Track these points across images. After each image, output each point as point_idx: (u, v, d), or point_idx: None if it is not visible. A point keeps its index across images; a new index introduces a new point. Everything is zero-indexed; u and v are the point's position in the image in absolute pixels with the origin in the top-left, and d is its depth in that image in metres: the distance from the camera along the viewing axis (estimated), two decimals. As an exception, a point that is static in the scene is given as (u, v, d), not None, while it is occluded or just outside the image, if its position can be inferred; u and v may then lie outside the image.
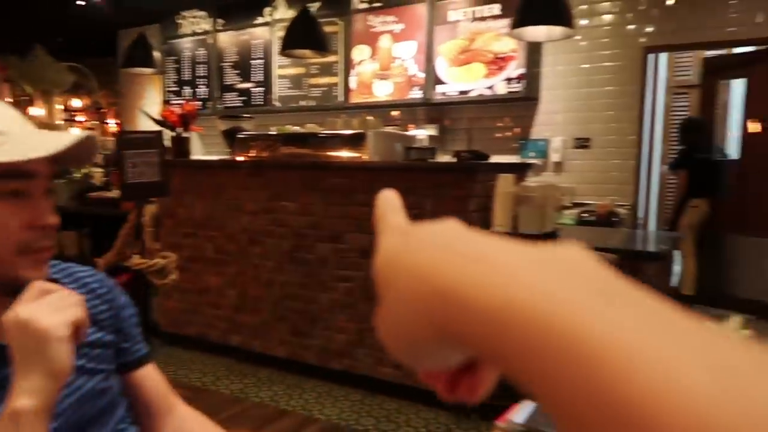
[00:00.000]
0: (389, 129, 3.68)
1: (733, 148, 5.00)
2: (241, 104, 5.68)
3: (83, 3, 5.39)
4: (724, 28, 4.49)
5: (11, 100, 4.72)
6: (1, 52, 5.22)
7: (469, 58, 4.94)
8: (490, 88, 4.86)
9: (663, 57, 5.79)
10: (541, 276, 0.20)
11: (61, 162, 0.81)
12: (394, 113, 5.50)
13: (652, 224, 6.10)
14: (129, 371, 0.97)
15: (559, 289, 0.19)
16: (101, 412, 0.87)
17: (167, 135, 3.97)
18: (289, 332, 3.36)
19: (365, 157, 3.34)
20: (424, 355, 0.25)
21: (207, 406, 1.23)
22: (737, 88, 4.98)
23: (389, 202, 0.30)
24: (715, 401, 0.15)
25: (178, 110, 3.97)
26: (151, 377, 1.00)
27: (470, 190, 2.83)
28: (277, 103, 5.53)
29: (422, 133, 5.07)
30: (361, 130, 3.52)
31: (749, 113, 4.70)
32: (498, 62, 4.84)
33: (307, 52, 4.02)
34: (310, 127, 3.73)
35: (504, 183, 2.84)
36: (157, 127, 3.78)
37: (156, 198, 3.21)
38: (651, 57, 4.83)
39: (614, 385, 0.17)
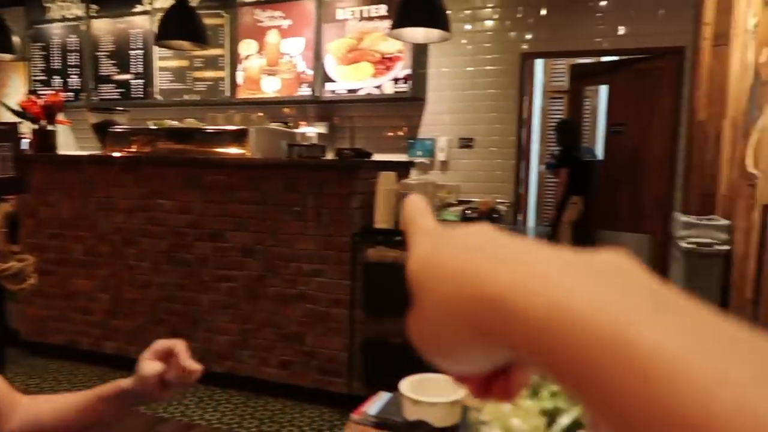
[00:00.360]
0: (274, 125, 3.62)
1: (599, 150, 5.42)
2: (119, 97, 5.34)
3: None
4: (592, 39, 4.86)
5: None
6: None
7: (357, 57, 4.98)
8: (378, 87, 4.93)
9: (539, 63, 6.17)
10: (591, 283, 0.20)
11: None
12: (286, 110, 5.42)
13: (531, 220, 6.48)
14: None
15: (612, 299, 0.19)
16: None
17: (30, 128, 3.66)
18: (168, 336, 3.20)
19: (248, 154, 3.27)
20: (461, 359, 0.25)
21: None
22: (605, 93, 5.41)
23: (417, 205, 0.30)
24: None
25: (40, 101, 3.67)
26: None
27: (352, 188, 2.85)
28: (159, 97, 5.26)
29: (311, 131, 5.05)
30: (244, 126, 3.43)
31: (611, 118, 5.12)
32: (385, 62, 4.91)
33: (185, 43, 3.85)
34: (190, 122, 3.58)
35: (385, 180, 2.89)
36: (16, 119, 3.47)
37: (11, 195, 2.94)
38: (531, 62, 5.13)
39: (673, 397, 0.17)
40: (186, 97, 5.22)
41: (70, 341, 3.40)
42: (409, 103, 5.03)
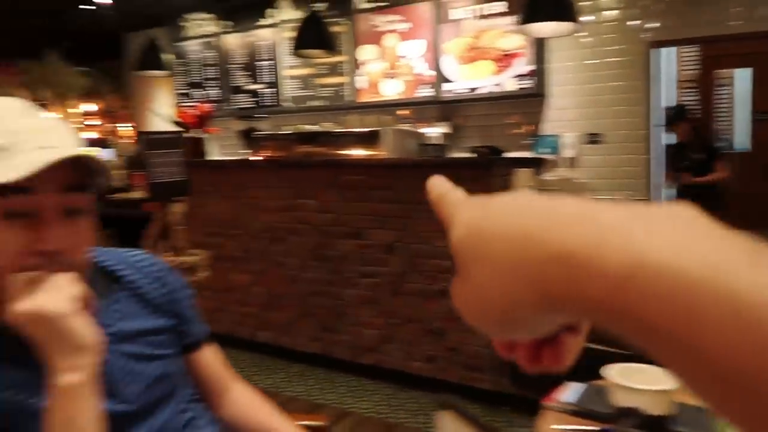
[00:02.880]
0: (403, 126, 3.73)
1: (742, 141, 5.05)
2: (252, 105, 5.71)
3: (90, 6, 5.41)
4: (725, 22, 4.56)
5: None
6: (14, 56, 5.24)
7: (477, 56, 4.99)
8: (498, 85, 4.91)
9: (669, 52, 5.84)
10: (671, 235, 0.20)
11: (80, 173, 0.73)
12: (403, 112, 5.54)
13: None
14: (189, 353, 0.99)
15: (703, 251, 0.19)
16: (168, 394, 0.89)
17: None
18: (318, 328, 3.40)
19: (379, 155, 3.39)
20: (516, 324, 0.24)
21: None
22: (742, 79, 5.04)
23: (441, 184, 0.31)
24: None
25: (193, 111, 4.02)
26: (207, 358, 1.02)
27: (488, 185, 2.87)
28: (288, 104, 5.57)
29: (435, 131, 5.12)
30: (376, 128, 3.57)
31: (757, 104, 4.76)
32: (505, 59, 4.89)
33: (317, 51, 4.05)
34: (326, 126, 3.77)
35: (522, 177, 2.89)
36: (168, 127, 3.82)
37: (180, 197, 3.25)
38: (658, 51, 4.89)
39: None
40: (312, 103, 5.48)
41: (229, 330, 3.69)
42: (531, 99, 4.96)
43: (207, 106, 4.12)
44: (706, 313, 0.18)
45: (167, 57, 5.17)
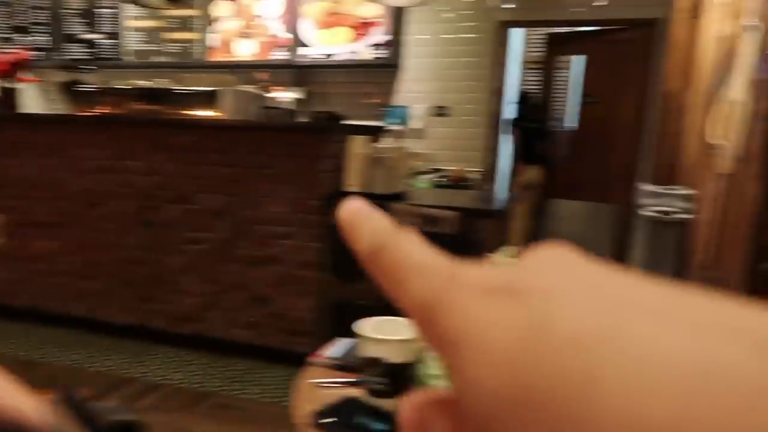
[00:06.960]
0: (245, 88, 3.57)
1: (572, 120, 5.46)
2: (89, 56, 5.20)
3: None
4: (569, 8, 4.85)
5: None
6: None
7: (335, 21, 4.90)
8: (354, 52, 4.87)
9: (518, 33, 6.14)
10: None
11: None
12: (260, 75, 5.34)
13: (502, 189, 6.54)
14: None
15: None
16: None
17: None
18: (135, 298, 3.20)
19: (216, 116, 3.23)
20: None
21: (37, 379, 1.11)
22: (578, 64, 5.42)
23: (365, 215, 0.17)
24: None
25: (7, 58, 3.57)
26: None
27: (323, 151, 2.85)
28: (130, 58, 5.14)
29: (287, 96, 4.99)
30: (215, 88, 3.38)
31: (587, 88, 5.15)
32: (363, 27, 4.85)
33: (160, 2, 3.74)
34: (161, 83, 3.51)
35: (357, 144, 2.89)
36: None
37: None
38: (510, 32, 5.10)
39: None
40: (157, 59, 5.10)
41: (34, 304, 3.36)
42: (385, 69, 4.98)
43: (24, 53, 3.68)
44: None
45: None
